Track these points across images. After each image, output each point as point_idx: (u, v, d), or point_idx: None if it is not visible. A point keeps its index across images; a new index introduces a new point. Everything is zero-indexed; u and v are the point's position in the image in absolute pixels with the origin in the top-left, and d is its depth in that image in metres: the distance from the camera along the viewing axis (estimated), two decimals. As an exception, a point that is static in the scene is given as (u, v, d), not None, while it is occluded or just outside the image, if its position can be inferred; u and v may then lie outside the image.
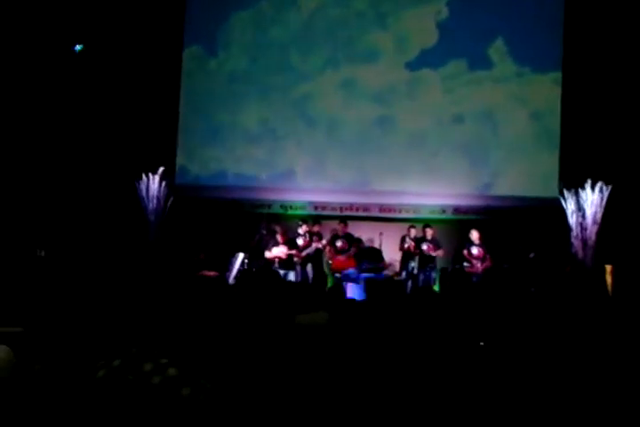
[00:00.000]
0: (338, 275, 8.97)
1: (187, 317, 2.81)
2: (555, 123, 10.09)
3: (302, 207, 10.30)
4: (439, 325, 3.37)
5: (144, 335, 2.32)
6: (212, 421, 1.11)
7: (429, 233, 9.30)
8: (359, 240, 9.50)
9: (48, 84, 9.67)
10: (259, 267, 8.88)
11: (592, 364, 2.69)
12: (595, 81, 9.51)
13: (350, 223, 9.74)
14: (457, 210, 10.13)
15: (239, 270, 8.47)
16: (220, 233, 9.65)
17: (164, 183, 9.91)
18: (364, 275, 8.73)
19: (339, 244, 9.38)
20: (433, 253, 9.15)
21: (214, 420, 1.12)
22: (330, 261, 9.39)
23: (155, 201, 9.89)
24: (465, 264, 9.08)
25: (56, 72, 9.73)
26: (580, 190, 9.19)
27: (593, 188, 9.12)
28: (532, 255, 9.08)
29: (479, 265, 8.97)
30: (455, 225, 9.99)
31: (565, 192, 9.27)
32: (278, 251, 8.98)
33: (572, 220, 9.17)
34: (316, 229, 9.55)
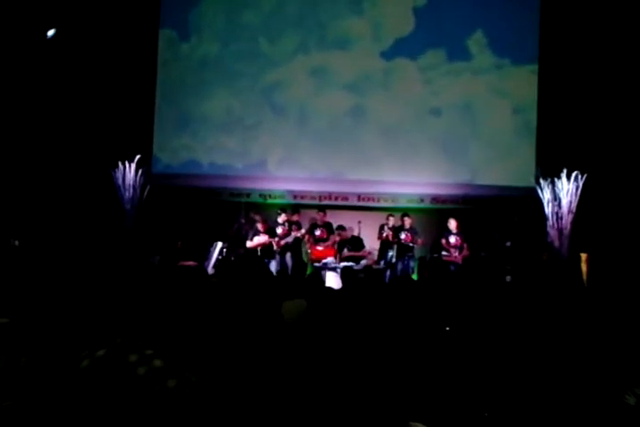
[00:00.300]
0: (317, 264, 8.98)
1: (170, 308, 2.79)
2: (532, 114, 10.18)
3: (281, 196, 10.27)
4: (416, 313, 3.39)
5: (129, 325, 2.30)
6: (197, 414, 1.09)
7: (407, 222, 9.34)
8: (342, 227, 9.49)
9: (20, 72, 9.46)
10: (240, 255, 8.85)
11: (567, 351, 2.72)
12: (571, 73, 9.61)
13: (329, 212, 9.74)
14: (435, 199, 10.19)
15: (217, 259, 8.43)
16: (197, 222, 9.59)
17: (140, 172, 9.78)
18: (343, 264, 8.76)
19: (317, 233, 9.38)
20: (411, 243, 9.20)
21: (200, 413, 1.10)
22: (309, 251, 9.40)
23: (131, 190, 9.77)
24: (443, 253, 9.15)
25: (28, 58, 9.52)
26: (555, 180, 9.29)
27: (569, 177, 9.22)
28: (508, 244, 9.20)
29: (457, 254, 9.05)
30: (433, 214, 10.06)
31: (542, 181, 9.36)
32: (260, 239, 8.96)
33: (549, 209, 9.28)
34: (294, 218, 9.53)
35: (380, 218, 9.59)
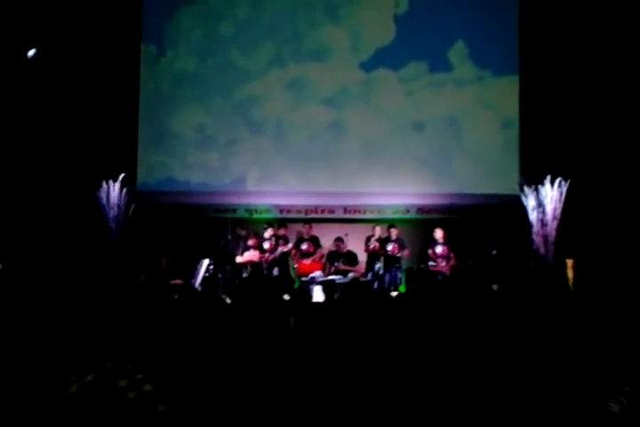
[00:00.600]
0: (305, 278, 8.96)
1: (160, 329, 2.77)
2: (514, 122, 10.21)
3: (267, 211, 10.24)
4: (402, 325, 3.39)
5: (118, 348, 2.27)
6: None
7: (394, 233, 9.36)
8: (341, 239, 9.42)
9: (0, 91, 9.42)
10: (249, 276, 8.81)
11: (555, 357, 2.74)
12: (551, 82, 9.73)
13: (316, 225, 9.75)
14: (420, 209, 10.21)
15: (204, 277, 8.38)
16: (183, 239, 9.54)
17: (124, 190, 9.73)
18: (330, 277, 8.75)
19: (304, 247, 9.37)
20: (398, 254, 9.22)
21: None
22: (296, 265, 9.37)
23: (115, 209, 9.69)
24: (430, 263, 9.17)
25: (9, 78, 9.47)
26: (539, 187, 9.37)
27: (552, 184, 9.31)
28: (494, 252, 9.24)
29: (444, 264, 9.08)
30: (419, 225, 10.08)
31: (526, 189, 9.44)
32: (250, 255, 8.93)
33: (533, 216, 9.35)
34: (281, 232, 9.53)
35: (366, 230, 9.60)
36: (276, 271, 9.22)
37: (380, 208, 10.21)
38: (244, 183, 10.32)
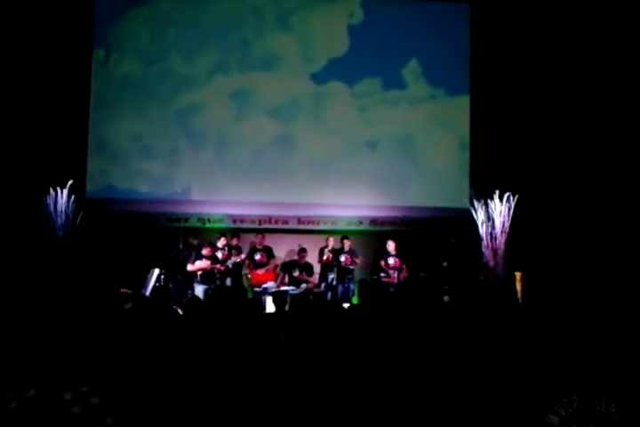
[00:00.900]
0: (257, 288, 8.89)
1: (111, 339, 2.69)
2: (465, 139, 10.39)
3: (220, 220, 10.13)
4: (354, 337, 3.39)
5: (61, 362, 2.20)
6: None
7: (347, 244, 9.40)
8: (304, 250, 9.41)
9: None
10: (180, 283, 8.68)
11: (499, 367, 2.78)
12: (500, 102, 10.05)
13: (270, 236, 9.71)
14: (373, 221, 10.29)
15: (154, 286, 8.23)
16: (134, 248, 9.34)
17: (72, 197, 9.46)
18: (283, 288, 8.71)
19: (257, 257, 9.31)
20: (351, 265, 9.26)
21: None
22: (249, 275, 9.30)
23: (63, 216, 9.42)
24: (382, 275, 9.24)
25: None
26: (489, 201, 9.57)
27: (501, 198, 9.52)
28: (445, 264, 9.38)
29: (396, 275, 9.15)
30: (372, 236, 10.16)
31: (475, 203, 9.62)
32: (201, 264, 8.81)
33: (483, 230, 9.53)
34: (234, 242, 9.44)
35: (320, 241, 9.62)
36: (228, 282, 9.12)
37: (334, 219, 10.24)
38: (188, 193, 10.04)
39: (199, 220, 10.09)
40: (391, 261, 9.30)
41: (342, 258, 9.26)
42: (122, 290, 8.15)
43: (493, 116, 10.12)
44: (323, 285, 9.28)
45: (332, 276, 9.21)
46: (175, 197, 10.01)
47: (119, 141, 9.99)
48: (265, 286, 8.77)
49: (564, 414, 1.71)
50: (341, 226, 10.21)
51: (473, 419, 2.41)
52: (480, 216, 9.55)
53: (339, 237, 9.54)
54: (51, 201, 9.38)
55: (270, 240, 9.66)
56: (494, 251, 9.36)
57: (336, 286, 9.19)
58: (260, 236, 9.53)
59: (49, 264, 8.95)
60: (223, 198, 9.97)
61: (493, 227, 9.49)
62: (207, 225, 10.04)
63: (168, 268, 8.77)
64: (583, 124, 9.73)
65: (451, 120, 10.40)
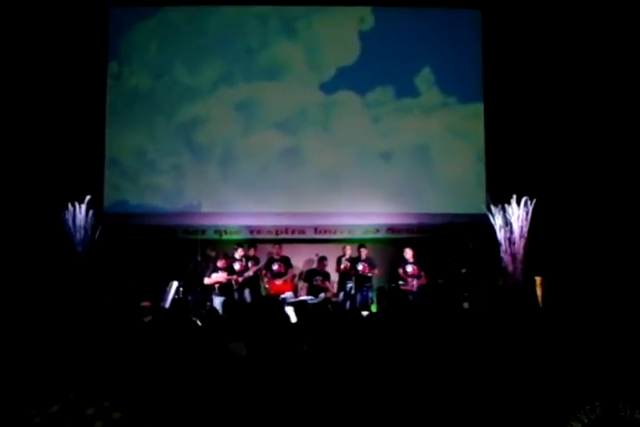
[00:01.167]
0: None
1: (132, 353, 2.70)
2: (480, 144, 10.27)
3: (237, 232, 10.15)
4: (375, 344, 3.37)
5: (83, 377, 2.21)
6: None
7: (364, 253, 9.38)
8: (325, 258, 9.44)
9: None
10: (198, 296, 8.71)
11: (522, 374, 2.76)
12: (514, 108, 9.98)
13: (287, 246, 9.71)
14: (390, 229, 10.24)
15: (173, 299, 8.26)
16: (152, 261, 9.40)
17: (91, 212, 9.56)
18: (301, 298, 8.70)
19: (275, 267, 9.32)
20: (368, 273, 9.23)
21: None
22: (267, 286, 9.31)
23: (82, 231, 9.52)
24: (400, 283, 9.19)
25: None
26: (506, 206, 9.51)
27: (518, 202, 9.45)
28: (463, 271, 9.32)
29: (414, 283, 9.11)
30: (389, 244, 10.13)
31: (493, 208, 9.56)
32: (218, 276, 8.84)
33: (501, 235, 9.46)
34: (251, 253, 9.47)
35: (337, 250, 9.61)
36: (247, 293, 9.14)
37: (351, 228, 10.21)
38: (202, 206, 9.97)
39: (216, 231, 10.12)
40: (409, 268, 9.26)
41: (360, 266, 9.24)
42: (142, 303, 8.20)
43: (508, 120, 10.07)
44: (341, 294, 9.27)
45: (350, 284, 9.19)
46: (191, 209, 10.01)
47: (130, 156, 9.97)
48: (283, 296, 8.76)
49: (586, 420, 1.69)
50: (358, 234, 10.18)
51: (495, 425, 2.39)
52: (498, 221, 9.49)
53: (355, 246, 9.52)
54: (69, 216, 9.48)
55: (287, 250, 9.65)
56: (513, 256, 9.28)
57: (355, 295, 9.16)
58: (277, 246, 9.54)
59: (69, 279, 9.02)
60: (239, 210, 9.95)
61: (511, 231, 9.42)
62: (224, 237, 10.07)
63: (187, 280, 8.81)
64: (598, 126, 9.65)
65: (465, 127, 10.29)
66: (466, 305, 8.03)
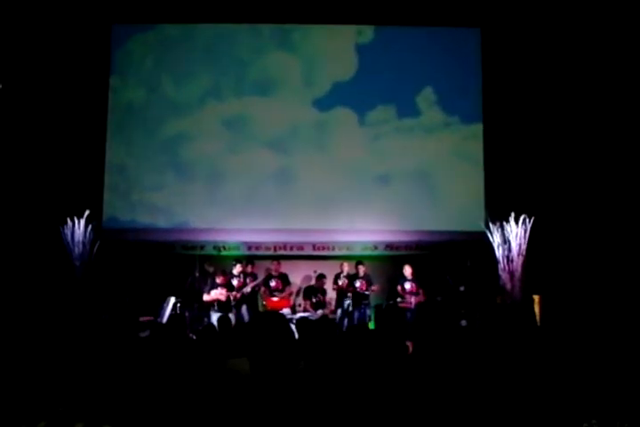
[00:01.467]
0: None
1: (128, 368, 2.69)
2: (479, 162, 10.27)
3: (235, 248, 10.13)
4: (375, 363, 3.36)
5: (73, 391, 2.20)
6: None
7: (362, 270, 9.37)
8: (323, 276, 9.38)
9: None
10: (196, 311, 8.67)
11: (523, 388, 2.75)
12: (513, 125, 10.03)
13: (285, 262, 9.69)
14: (389, 246, 10.23)
15: (171, 315, 8.23)
16: (150, 277, 9.38)
17: (89, 227, 9.56)
18: (299, 315, 8.67)
19: (273, 284, 9.30)
20: (366, 291, 9.21)
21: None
22: (264, 302, 9.28)
23: (80, 246, 9.52)
24: (398, 300, 9.17)
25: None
26: (504, 224, 9.51)
27: (517, 220, 9.46)
28: (462, 288, 9.29)
29: (412, 300, 9.08)
30: (388, 261, 10.11)
31: (491, 226, 9.57)
32: (217, 293, 8.81)
33: (499, 252, 9.46)
34: (249, 269, 9.45)
35: (334, 267, 9.59)
36: (244, 309, 9.11)
37: (349, 245, 10.20)
38: (198, 222, 9.84)
39: (214, 247, 10.10)
40: (407, 285, 9.24)
41: (357, 284, 9.23)
42: (142, 318, 8.17)
43: (507, 138, 10.12)
44: (339, 311, 9.23)
45: (347, 302, 9.17)
46: (189, 225, 10.00)
47: (122, 172, 9.87)
48: (280, 312, 8.72)
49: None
50: (357, 251, 10.16)
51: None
52: (496, 239, 9.49)
53: (353, 263, 9.50)
54: (68, 231, 9.48)
55: (285, 267, 9.64)
56: (511, 274, 9.26)
57: (352, 312, 9.13)
58: (275, 262, 9.53)
59: (67, 293, 9.00)
60: (238, 226, 9.94)
61: (510, 249, 9.42)
62: (223, 253, 10.05)
63: (184, 296, 8.78)
64: (596, 144, 9.70)
65: (465, 146, 10.27)
66: (464, 323, 7.99)
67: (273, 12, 9.28)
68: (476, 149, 10.29)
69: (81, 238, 9.51)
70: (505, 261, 9.39)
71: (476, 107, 10.18)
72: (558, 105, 9.93)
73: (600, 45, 9.69)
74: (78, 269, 9.45)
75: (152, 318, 8.14)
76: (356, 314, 9.12)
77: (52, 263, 9.28)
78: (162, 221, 9.90)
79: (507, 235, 9.46)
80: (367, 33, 9.28)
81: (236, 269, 9.20)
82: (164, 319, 8.15)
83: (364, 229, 10.08)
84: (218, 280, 8.93)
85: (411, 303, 9.02)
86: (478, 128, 10.26)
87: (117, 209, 9.99)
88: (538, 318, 8.43)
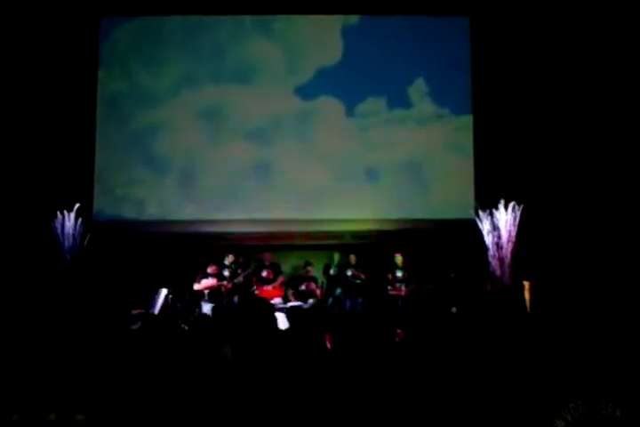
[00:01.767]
0: (265, 305, 8.85)
1: (119, 359, 2.69)
2: (469, 154, 10.25)
3: (227, 238, 10.10)
4: (367, 351, 3.38)
5: (47, 384, 2.19)
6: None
7: (353, 259, 9.40)
8: (310, 264, 9.40)
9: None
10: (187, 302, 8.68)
11: (508, 375, 2.78)
12: (503, 112, 10.06)
13: (276, 252, 9.69)
14: (379, 235, 10.23)
15: (162, 306, 8.23)
16: (142, 269, 9.38)
17: (80, 220, 9.53)
18: (290, 304, 8.68)
19: (264, 273, 9.31)
20: (357, 281, 9.24)
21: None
22: (256, 292, 9.29)
23: (71, 239, 9.49)
24: (389, 288, 9.21)
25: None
26: (494, 211, 9.55)
27: (506, 207, 9.50)
28: (452, 275, 9.35)
29: (404, 288, 9.12)
30: (378, 250, 10.13)
31: (481, 213, 9.60)
32: (207, 282, 8.81)
33: (489, 239, 9.50)
34: (241, 259, 9.45)
35: (326, 256, 9.61)
36: (236, 299, 9.11)
37: (340, 234, 10.19)
38: (191, 214, 9.71)
39: (206, 238, 10.08)
40: (399, 273, 9.28)
41: (349, 272, 9.25)
42: (133, 311, 8.16)
43: (496, 127, 10.13)
44: (330, 299, 9.26)
45: (339, 290, 9.20)
46: (179, 217, 9.94)
47: (109, 166, 9.74)
48: (272, 302, 8.74)
49: (570, 418, 1.72)
50: (348, 240, 10.17)
51: (483, 425, 2.41)
52: (485, 226, 9.53)
53: (344, 252, 9.52)
54: (58, 224, 9.45)
55: (278, 256, 9.64)
56: (501, 260, 9.31)
57: (343, 301, 9.16)
58: (266, 253, 9.53)
59: (57, 286, 8.99)
60: (228, 217, 9.89)
61: (499, 236, 9.46)
62: (214, 243, 10.03)
63: (175, 287, 8.78)
64: (585, 132, 9.75)
65: (454, 134, 10.21)
66: (454, 310, 8.04)
67: (255, 3, 9.20)
68: (467, 139, 10.25)
69: (71, 231, 9.48)
70: (494, 247, 9.44)
71: (467, 98, 10.11)
72: (548, 95, 9.95)
73: (591, 36, 9.70)
74: (69, 262, 9.43)
75: (143, 310, 8.14)
76: (348, 303, 9.15)
77: (42, 256, 9.25)
78: (148, 214, 9.85)
79: (496, 222, 9.50)
80: (353, 19, 8.94)
81: (228, 260, 9.21)
82: (156, 311, 8.16)
83: (355, 218, 10.07)
84: (209, 270, 8.94)
85: (402, 291, 9.07)
86: (469, 119, 10.22)
87: (105, 202, 9.93)
88: (528, 304, 8.49)
